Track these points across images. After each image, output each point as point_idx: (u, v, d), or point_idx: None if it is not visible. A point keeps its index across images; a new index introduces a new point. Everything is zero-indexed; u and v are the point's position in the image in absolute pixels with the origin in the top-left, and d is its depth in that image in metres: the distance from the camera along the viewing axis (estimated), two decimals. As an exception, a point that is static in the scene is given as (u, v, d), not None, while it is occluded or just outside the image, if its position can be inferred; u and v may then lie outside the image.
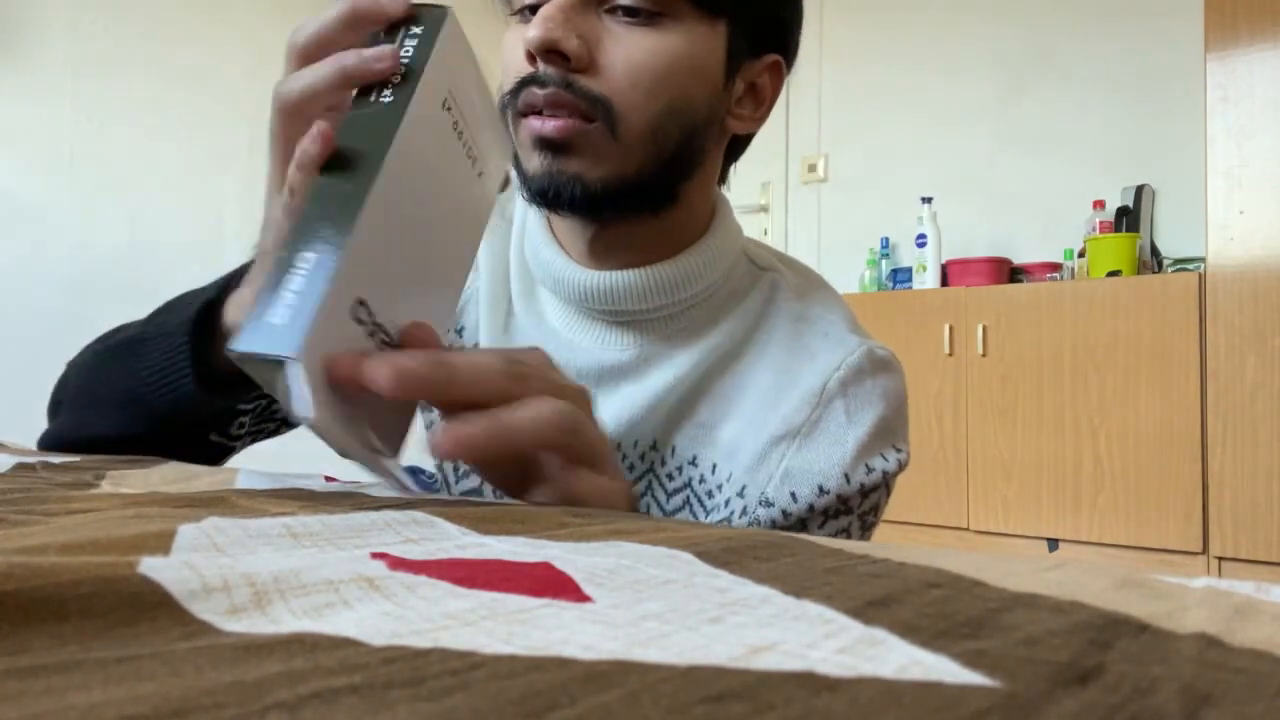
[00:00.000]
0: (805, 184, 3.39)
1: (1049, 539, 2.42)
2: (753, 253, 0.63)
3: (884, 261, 3.06)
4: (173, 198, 2.67)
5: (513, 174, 0.63)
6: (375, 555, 0.23)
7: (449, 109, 0.39)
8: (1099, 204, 2.71)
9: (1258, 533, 2.12)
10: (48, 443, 0.59)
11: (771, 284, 0.61)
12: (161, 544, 0.22)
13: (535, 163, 0.52)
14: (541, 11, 0.49)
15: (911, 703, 0.13)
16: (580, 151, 0.51)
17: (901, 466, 0.57)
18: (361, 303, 0.35)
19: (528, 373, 0.39)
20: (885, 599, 0.20)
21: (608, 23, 0.51)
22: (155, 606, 0.17)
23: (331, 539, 0.25)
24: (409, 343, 0.39)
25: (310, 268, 0.33)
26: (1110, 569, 0.24)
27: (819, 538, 0.30)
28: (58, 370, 0.61)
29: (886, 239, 3.10)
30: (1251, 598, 0.21)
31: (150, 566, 0.19)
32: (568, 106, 0.50)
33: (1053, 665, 0.15)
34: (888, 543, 0.30)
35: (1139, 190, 2.67)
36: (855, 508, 0.56)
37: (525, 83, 0.50)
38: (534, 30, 0.49)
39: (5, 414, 1.12)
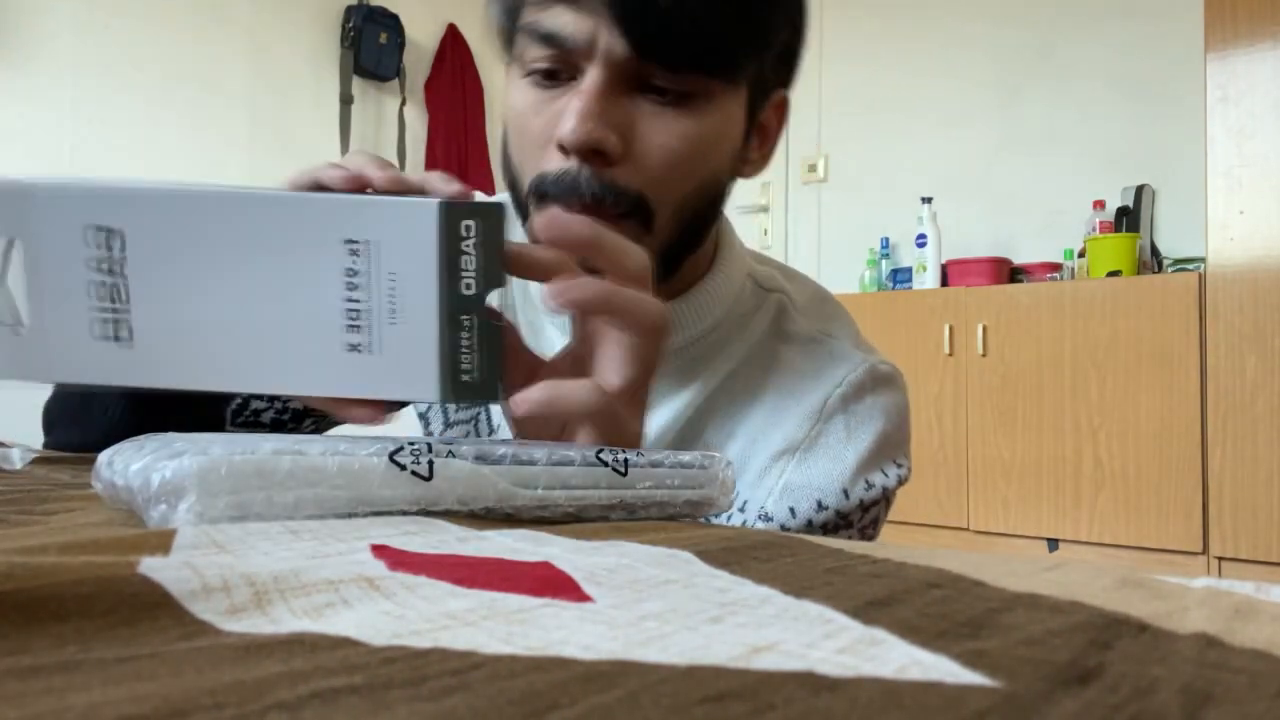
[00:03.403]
0: (805, 184, 3.39)
1: (1049, 539, 2.42)
2: (758, 274, 0.62)
3: (884, 261, 3.06)
4: (173, 197, 2.67)
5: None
6: (375, 547, 0.23)
7: (354, 251, 0.38)
8: (1099, 204, 2.71)
9: (1258, 533, 2.12)
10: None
11: (778, 306, 0.60)
12: (161, 544, 0.22)
13: None
14: (579, 106, 0.46)
15: (911, 703, 0.13)
16: None
17: (902, 481, 0.57)
18: (109, 231, 0.37)
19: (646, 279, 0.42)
20: (885, 599, 0.20)
21: (639, 102, 0.48)
22: (155, 606, 0.17)
23: (332, 535, 0.25)
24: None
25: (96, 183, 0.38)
26: (1110, 569, 0.24)
27: (819, 538, 0.30)
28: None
29: (886, 239, 3.10)
30: (1251, 598, 0.21)
31: (150, 566, 0.19)
32: (602, 204, 0.48)
33: (1053, 665, 0.15)
34: (888, 543, 0.30)
35: (1139, 190, 2.67)
36: (855, 522, 0.56)
37: (559, 180, 0.47)
38: (570, 129, 0.46)
39: (6, 413, 1.12)
